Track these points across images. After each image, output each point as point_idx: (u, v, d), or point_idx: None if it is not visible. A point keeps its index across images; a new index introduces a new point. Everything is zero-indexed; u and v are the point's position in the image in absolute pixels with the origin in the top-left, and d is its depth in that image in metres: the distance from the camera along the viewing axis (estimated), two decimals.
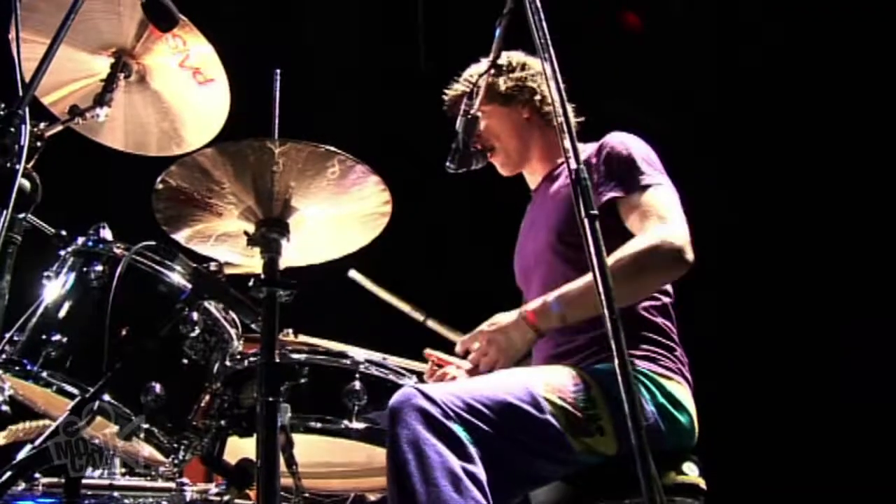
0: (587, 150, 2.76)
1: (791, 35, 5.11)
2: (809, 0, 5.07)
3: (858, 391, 4.66)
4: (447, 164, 2.73)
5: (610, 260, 2.39)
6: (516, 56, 2.92)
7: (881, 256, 4.84)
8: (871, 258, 4.87)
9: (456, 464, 2.12)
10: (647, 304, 2.60)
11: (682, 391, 2.51)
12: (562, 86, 2.12)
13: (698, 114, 5.12)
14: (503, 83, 2.89)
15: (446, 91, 3.01)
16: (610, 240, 2.49)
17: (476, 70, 2.91)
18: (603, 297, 1.84)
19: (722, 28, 5.26)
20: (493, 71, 2.76)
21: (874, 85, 4.90)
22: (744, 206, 5.10)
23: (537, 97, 2.89)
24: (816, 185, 4.98)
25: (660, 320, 2.61)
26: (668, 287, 2.68)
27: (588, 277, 2.44)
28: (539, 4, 2.21)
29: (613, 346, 1.81)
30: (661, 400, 2.44)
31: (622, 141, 2.70)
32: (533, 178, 3.02)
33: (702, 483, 2.44)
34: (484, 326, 2.57)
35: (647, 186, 2.58)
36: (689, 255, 2.46)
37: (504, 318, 2.54)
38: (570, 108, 2.88)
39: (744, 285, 5.04)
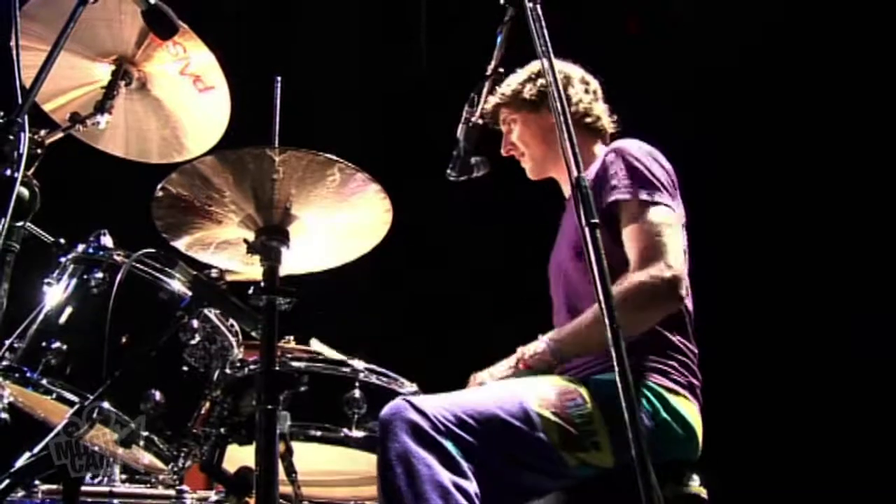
0: (600, 154, 2.76)
1: (792, 35, 5.11)
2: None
3: (863, 395, 4.64)
4: (448, 171, 2.72)
5: (616, 289, 2.40)
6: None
7: (885, 255, 4.81)
8: (875, 258, 4.84)
9: (446, 477, 2.11)
10: (665, 321, 2.54)
11: (688, 408, 2.47)
12: (562, 92, 2.10)
13: (700, 111, 5.11)
14: (529, 90, 2.89)
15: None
16: (615, 244, 2.52)
17: (511, 82, 2.91)
18: (603, 304, 1.83)
19: (722, 28, 5.25)
20: (493, 78, 2.76)
21: (881, 78, 4.88)
22: (745, 204, 5.09)
23: None
24: (821, 183, 4.96)
25: (676, 337, 2.57)
26: (689, 304, 2.65)
27: (579, 319, 2.48)
28: (540, 12, 2.20)
29: (614, 355, 1.79)
30: (664, 415, 2.40)
31: (633, 148, 2.67)
32: (565, 187, 3.00)
33: (703, 493, 2.41)
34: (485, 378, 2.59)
35: (646, 202, 2.54)
36: (681, 291, 2.45)
37: (500, 370, 2.56)
38: (604, 108, 2.94)
39: (746, 291, 5.03)
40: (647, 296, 2.42)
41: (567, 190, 2.98)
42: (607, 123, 2.95)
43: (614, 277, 2.44)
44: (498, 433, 2.24)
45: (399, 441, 2.15)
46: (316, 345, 2.87)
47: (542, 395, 2.35)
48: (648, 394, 2.41)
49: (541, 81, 2.88)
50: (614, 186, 2.58)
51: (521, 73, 2.93)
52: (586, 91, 2.92)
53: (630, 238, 2.52)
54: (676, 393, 2.47)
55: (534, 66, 2.92)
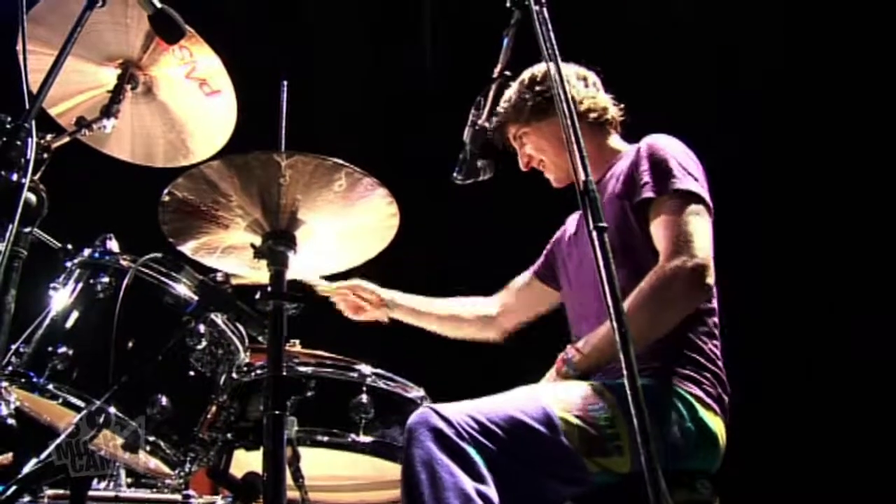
0: (630, 150, 2.75)
1: (792, 35, 5.10)
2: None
3: (876, 397, 4.62)
4: (454, 175, 2.70)
5: (632, 295, 2.41)
6: (539, 68, 2.89)
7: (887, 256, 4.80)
8: (876, 259, 4.83)
9: (468, 484, 2.11)
10: (698, 328, 2.54)
11: (715, 421, 2.46)
12: (569, 95, 2.10)
13: (699, 112, 5.09)
14: (531, 99, 2.86)
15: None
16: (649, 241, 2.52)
17: (508, 97, 2.89)
18: (612, 310, 1.82)
19: (724, 28, 5.24)
20: (500, 81, 2.75)
21: (883, 80, 4.87)
22: (746, 205, 5.07)
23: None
24: (822, 183, 4.95)
25: (709, 346, 2.55)
26: (716, 306, 2.64)
27: (604, 325, 2.45)
28: (546, 15, 2.20)
29: (622, 360, 1.78)
30: (690, 425, 2.39)
31: (659, 143, 2.65)
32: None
33: (715, 501, 2.40)
34: None
35: (674, 193, 2.52)
36: (709, 280, 2.42)
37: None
38: (608, 98, 2.92)
39: (751, 293, 5.00)
40: (672, 287, 2.40)
41: None
42: (615, 113, 2.93)
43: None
44: (521, 438, 2.23)
45: (423, 448, 2.15)
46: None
47: (565, 399, 2.33)
48: (678, 402, 2.40)
49: (539, 87, 2.86)
50: (645, 183, 2.57)
51: (516, 86, 2.90)
52: (586, 86, 2.91)
53: (657, 231, 2.51)
54: (707, 405, 2.45)
55: (526, 75, 2.91)
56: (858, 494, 4.49)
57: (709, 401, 2.46)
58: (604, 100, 2.92)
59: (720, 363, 2.57)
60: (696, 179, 2.57)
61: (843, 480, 4.52)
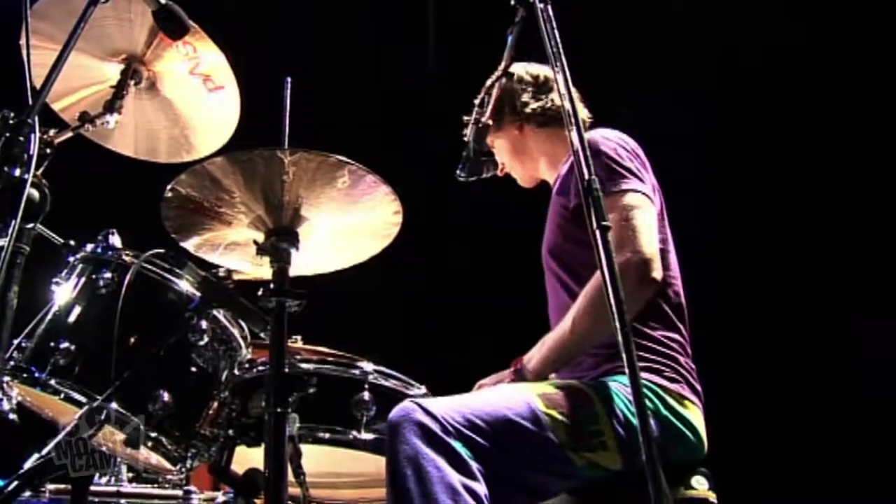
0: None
1: (792, 33, 5.10)
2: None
3: (873, 393, 4.62)
4: (457, 172, 2.72)
5: (581, 296, 2.43)
6: (494, 74, 2.86)
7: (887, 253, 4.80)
8: (878, 255, 4.83)
9: (455, 478, 2.11)
10: (649, 319, 2.52)
11: (687, 403, 2.46)
12: (574, 96, 2.09)
13: (700, 110, 5.09)
14: (484, 115, 2.77)
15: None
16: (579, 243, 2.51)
17: (476, 113, 2.86)
18: (614, 307, 1.82)
19: (722, 26, 5.24)
20: (504, 79, 2.75)
21: (879, 79, 4.86)
22: (744, 204, 5.07)
23: (511, 109, 2.89)
24: (820, 183, 4.94)
25: (658, 332, 2.54)
26: (672, 294, 2.62)
27: (554, 335, 2.48)
28: (551, 13, 2.19)
29: (625, 359, 1.78)
30: (665, 412, 2.39)
31: (597, 141, 2.59)
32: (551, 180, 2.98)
33: (712, 497, 2.39)
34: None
35: (612, 193, 2.47)
36: (655, 274, 2.40)
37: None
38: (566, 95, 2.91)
39: (749, 289, 5.01)
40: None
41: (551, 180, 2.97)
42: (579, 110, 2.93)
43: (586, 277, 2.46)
44: (506, 434, 2.24)
45: (408, 443, 2.14)
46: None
47: (550, 395, 2.34)
48: (647, 392, 2.38)
49: (491, 98, 2.78)
50: (577, 191, 2.52)
51: (479, 100, 2.87)
52: (536, 85, 2.91)
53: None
54: (671, 390, 2.45)
55: (485, 85, 2.89)
56: (857, 492, 4.49)
57: (673, 385, 2.45)
58: (557, 98, 2.88)
59: (677, 344, 2.55)
60: (630, 173, 2.54)
61: (842, 477, 4.53)
